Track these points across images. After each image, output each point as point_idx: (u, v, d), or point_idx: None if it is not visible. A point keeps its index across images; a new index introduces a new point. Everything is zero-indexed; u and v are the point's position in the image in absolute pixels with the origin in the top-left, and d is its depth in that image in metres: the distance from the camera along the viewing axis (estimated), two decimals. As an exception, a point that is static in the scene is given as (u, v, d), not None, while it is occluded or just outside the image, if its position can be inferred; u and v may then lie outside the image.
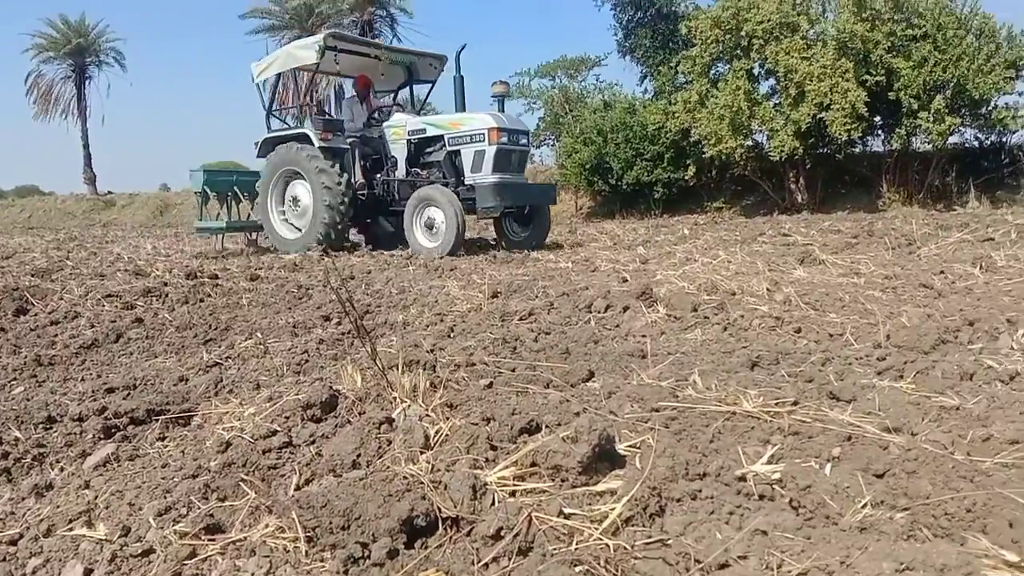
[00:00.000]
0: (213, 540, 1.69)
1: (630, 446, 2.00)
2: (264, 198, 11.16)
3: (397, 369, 2.50)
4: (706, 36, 16.42)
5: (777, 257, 6.48)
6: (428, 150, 10.59)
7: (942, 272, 5.06)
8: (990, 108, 15.01)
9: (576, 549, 1.49)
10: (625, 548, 1.47)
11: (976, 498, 1.61)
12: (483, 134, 9.81)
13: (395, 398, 2.37)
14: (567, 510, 1.62)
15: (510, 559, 1.50)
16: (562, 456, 1.78)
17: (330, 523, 1.65)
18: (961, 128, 15.63)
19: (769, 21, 15.59)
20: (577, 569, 1.41)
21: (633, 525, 1.56)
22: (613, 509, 1.58)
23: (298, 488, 1.93)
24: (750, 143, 16.99)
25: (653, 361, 3.00)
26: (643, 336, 3.49)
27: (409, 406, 2.28)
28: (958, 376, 2.55)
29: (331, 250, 9.97)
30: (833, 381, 2.57)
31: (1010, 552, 1.33)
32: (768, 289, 4.40)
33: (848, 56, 14.72)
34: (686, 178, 18.32)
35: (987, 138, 15.98)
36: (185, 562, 1.61)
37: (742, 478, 1.78)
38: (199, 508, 1.84)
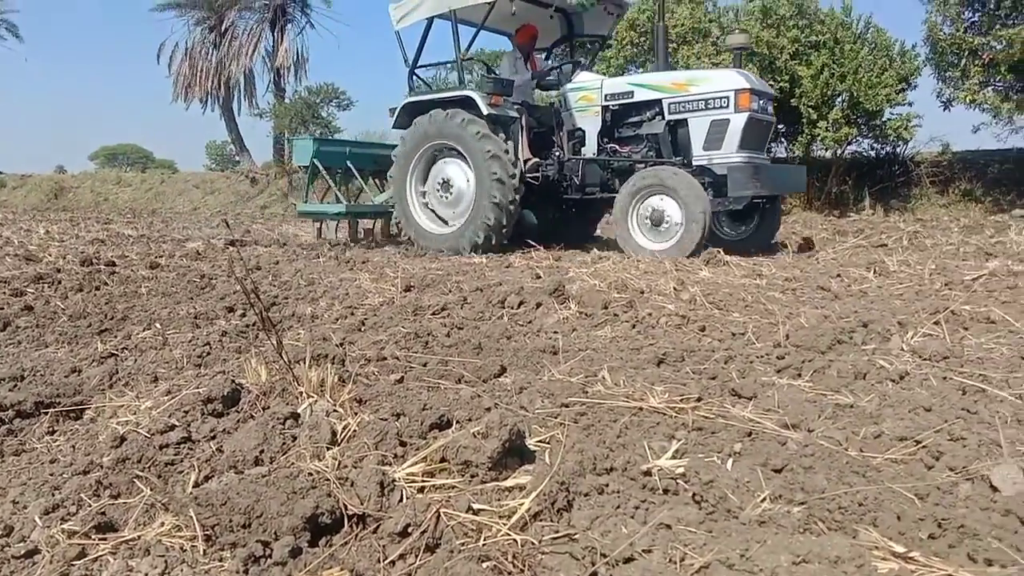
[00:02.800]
0: (104, 539, 1.61)
1: (540, 441, 2.01)
2: (402, 178, 8.74)
3: (304, 363, 2.44)
4: (621, 38, 16.70)
5: (684, 257, 6.65)
6: (633, 119, 8.02)
7: (839, 275, 5.29)
8: (884, 120, 15.81)
9: (484, 545, 1.48)
10: (533, 543, 1.48)
11: (868, 492, 1.68)
12: (727, 98, 7.23)
13: (301, 393, 2.31)
14: (476, 506, 1.62)
15: (417, 556, 1.48)
16: (472, 452, 1.77)
17: (230, 521, 1.59)
18: (858, 138, 16.41)
19: (683, 26, 15.98)
20: (484, 565, 1.40)
21: (541, 520, 1.57)
22: (522, 504, 1.58)
23: (197, 485, 1.86)
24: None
25: (564, 357, 3.03)
26: (555, 332, 3.52)
27: (316, 401, 2.23)
28: (852, 375, 2.67)
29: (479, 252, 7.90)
30: (735, 378, 2.65)
31: (898, 544, 1.40)
32: (675, 288, 4.51)
33: (754, 62, 15.24)
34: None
35: (882, 148, 16.81)
36: (73, 563, 1.53)
37: (648, 473, 1.81)
38: (90, 506, 1.75)
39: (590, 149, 8.22)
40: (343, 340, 3.38)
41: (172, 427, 2.17)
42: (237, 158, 33.07)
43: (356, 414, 2.18)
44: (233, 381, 2.45)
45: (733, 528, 1.48)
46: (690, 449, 1.97)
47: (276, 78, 32.68)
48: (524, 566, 1.42)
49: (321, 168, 9.71)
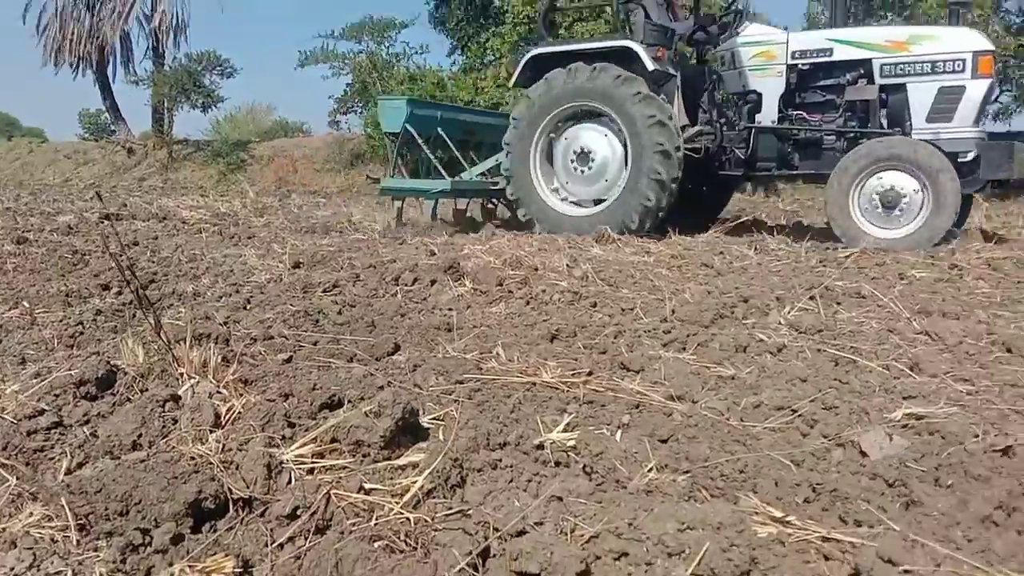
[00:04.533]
0: (-37, 535, 1.49)
1: (434, 419, 2.00)
2: (524, 147, 7.20)
3: (185, 343, 2.33)
4: (518, 12, 16.67)
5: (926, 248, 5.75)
6: (828, 82, 6.69)
7: (721, 253, 5.50)
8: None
9: (376, 524, 1.46)
10: (426, 520, 1.47)
11: (748, 460, 1.76)
12: (963, 61, 5.97)
13: (182, 374, 2.21)
14: (368, 486, 1.59)
15: (306, 538, 1.45)
16: (364, 431, 1.74)
17: (106, 509, 1.51)
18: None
19: (580, 2, 16.11)
20: (376, 544, 1.38)
21: (434, 497, 1.56)
22: (415, 483, 1.57)
23: (69, 472, 1.75)
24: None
25: (459, 334, 3.02)
26: (450, 309, 3.51)
27: (198, 382, 2.14)
28: (734, 348, 2.78)
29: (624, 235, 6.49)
30: (624, 352, 2.72)
31: (776, 508, 1.47)
32: (568, 265, 4.57)
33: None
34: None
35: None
36: (-73, 561, 1.41)
37: (540, 446, 1.83)
38: (-55, 500, 1.62)
39: (767, 116, 6.75)
40: (227, 319, 3.25)
41: (42, 412, 2.03)
42: (113, 127, 31.15)
43: (241, 395, 2.11)
44: (108, 362, 2.31)
45: (622, 498, 1.51)
46: (581, 422, 2.01)
47: (154, 43, 30.93)
48: (416, 543, 1.41)
49: (417, 135, 7.97)
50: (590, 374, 2.46)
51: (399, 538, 1.41)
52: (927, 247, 5.57)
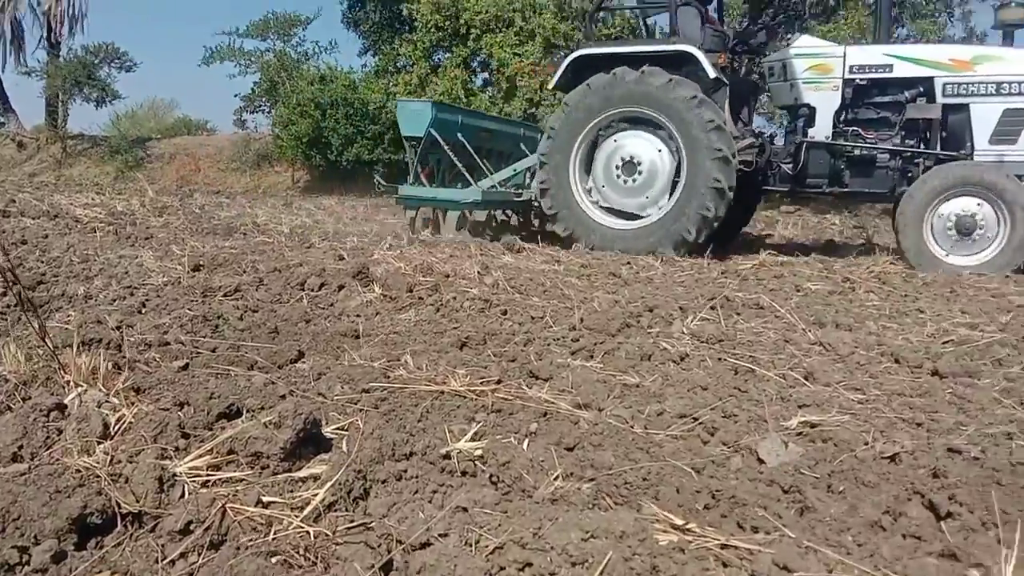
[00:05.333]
0: None
1: (338, 429, 1.95)
2: (564, 155, 6.79)
3: (73, 348, 2.20)
4: (427, 20, 16.61)
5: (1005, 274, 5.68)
6: (885, 99, 6.48)
7: (628, 263, 5.61)
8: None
9: (274, 539, 1.41)
10: (327, 534, 1.43)
11: (651, 467, 1.79)
12: None
13: (69, 382, 2.09)
14: (266, 499, 1.54)
15: (199, 554, 1.39)
16: (263, 442, 1.68)
17: (-22, 527, 1.40)
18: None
19: (486, 12, 16.18)
20: (273, 560, 1.34)
21: (336, 510, 1.52)
22: (316, 495, 1.53)
23: (-63, 488, 1.62)
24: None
25: (366, 341, 2.97)
26: (357, 316, 3.44)
27: (86, 391, 2.02)
28: (639, 357, 2.83)
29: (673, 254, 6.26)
30: (533, 361, 2.73)
31: (677, 516, 1.49)
32: (479, 273, 4.57)
33: (553, 54, 15.78)
34: (407, 160, 18.51)
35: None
36: None
37: (447, 456, 1.81)
38: None
39: (820, 131, 6.51)
40: (120, 323, 3.10)
41: (-94, 423, 1.88)
42: (1, 119, 29.36)
43: (133, 404, 2.00)
44: (-15, 369, 2.17)
45: (527, 507, 1.51)
46: (489, 431, 2.00)
47: (48, 33, 29.35)
48: (316, 558, 1.36)
49: (442, 141, 7.52)
50: (499, 382, 2.45)
51: (298, 553, 1.37)
52: (1005, 273, 5.44)
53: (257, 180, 21.69)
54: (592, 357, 2.85)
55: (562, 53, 7.85)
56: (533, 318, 3.48)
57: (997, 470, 1.78)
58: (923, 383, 2.66)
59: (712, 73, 6.33)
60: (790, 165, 6.65)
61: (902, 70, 6.30)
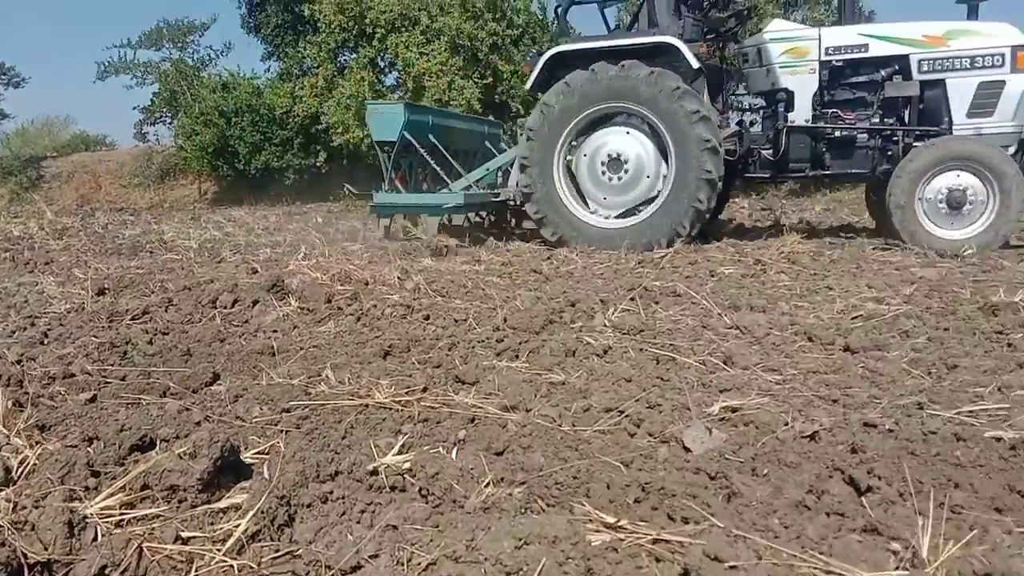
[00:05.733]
0: None
1: (258, 453, 1.89)
2: (546, 155, 6.58)
3: (-35, 390, 2.07)
4: (330, 21, 16.33)
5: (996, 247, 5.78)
6: (862, 79, 6.48)
7: (549, 258, 5.63)
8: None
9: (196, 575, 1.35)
10: (251, 567, 1.37)
11: (581, 466, 1.79)
12: (1002, 56, 5.97)
13: (-38, 425, 1.95)
14: (185, 534, 1.47)
15: (116, 601, 1.31)
16: (179, 475, 1.61)
17: None
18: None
19: (391, 12, 15.99)
20: (196, 600, 1.28)
21: (260, 540, 1.46)
22: (238, 526, 1.47)
23: None
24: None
25: (284, 358, 2.88)
26: (274, 331, 3.35)
27: (-18, 434, 1.90)
28: (563, 353, 2.84)
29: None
30: (459, 365, 2.70)
31: (609, 513, 1.49)
32: (399, 278, 4.51)
33: (459, 54, 15.74)
34: (318, 164, 18.16)
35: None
36: None
37: (375, 472, 1.77)
38: None
39: (800, 115, 6.46)
40: (21, 356, 2.93)
41: None
42: None
43: (37, 444, 1.89)
44: None
45: (459, 519, 1.49)
46: (417, 442, 1.97)
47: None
48: (242, 593, 1.31)
49: (418, 145, 7.24)
50: (425, 390, 2.42)
51: (222, 589, 1.31)
52: (998, 245, 5.58)
53: (162, 194, 20.95)
54: (517, 357, 2.85)
55: (534, 52, 7.61)
56: (456, 321, 3.45)
57: (911, 441, 1.85)
58: (836, 359, 2.75)
59: (695, 64, 6.25)
60: (770, 151, 6.60)
61: (877, 49, 6.31)
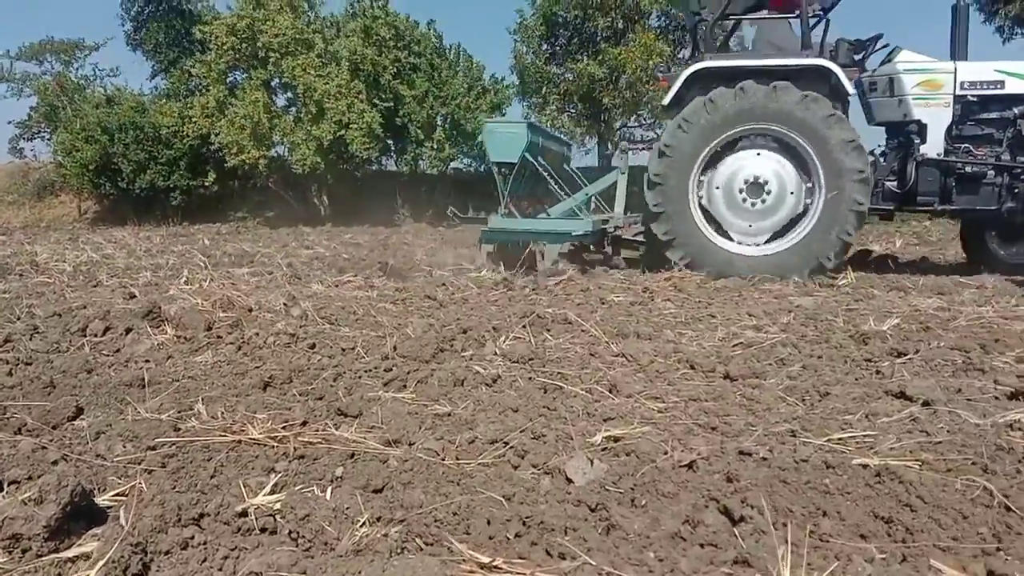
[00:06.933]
0: None
1: (118, 495, 1.76)
2: (682, 177, 6.30)
3: None
4: (222, 43, 15.96)
5: (305, 267, 6.38)
6: (996, 116, 6.45)
7: (444, 285, 5.58)
8: (481, 141, 17.49)
9: (33, 637, 1.24)
10: (97, 624, 1.27)
11: (461, 501, 1.75)
12: None
13: None
14: (25, 589, 1.35)
15: (-62, 669, 1.18)
16: (23, 522, 1.48)
17: None
18: (460, 156, 17.91)
19: (284, 35, 15.75)
20: (31, 665, 1.16)
21: (110, 593, 1.36)
22: (86, 578, 1.36)
23: None
24: (273, 155, 17.05)
25: (155, 390, 2.73)
26: (146, 362, 3.17)
27: None
28: (452, 383, 2.80)
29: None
30: (342, 397, 2.62)
31: (484, 553, 1.46)
32: (286, 304, 4.37)
33: (360, 78, 15.65)
34: (206, 185, 17.61)
35: (480, 165, 18.43)
36: None
37: (243, 513, 1.68)
38: None
39: (932, 148, 6.44)
40: None
41: None
42: None
43: None
44: None
45: (328, 563, 1.42)
46: (291, 480, 1.88)
47: None
48: (85, 654, 1.21)
49: (539, 167, 6.93)
50: (304, 424, 2.33)
51: (62, 651, 1.20)
52: None
53: (39, 213, 19.82)
54: (405, 387, 2.79)
55: (664, 66, 7.29)
56: (344, 350, 3.37)
57: (783, 469, 1.90)
58: (716, 387, 2.82)
59: (851, 90, 6.21)
60: (895, 183, 6.58)
61: (1014, 87, 6.35)
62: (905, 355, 3.19)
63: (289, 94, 17.30)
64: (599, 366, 3.08)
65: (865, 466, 1.90)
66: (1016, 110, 6.38)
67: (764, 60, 6.38)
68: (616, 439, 2.18)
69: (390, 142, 17.40)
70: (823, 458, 1.94)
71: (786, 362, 3.16)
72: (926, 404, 2.47)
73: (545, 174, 7.02)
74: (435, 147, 16.40)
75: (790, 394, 2.68)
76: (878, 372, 2.99)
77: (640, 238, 7.32)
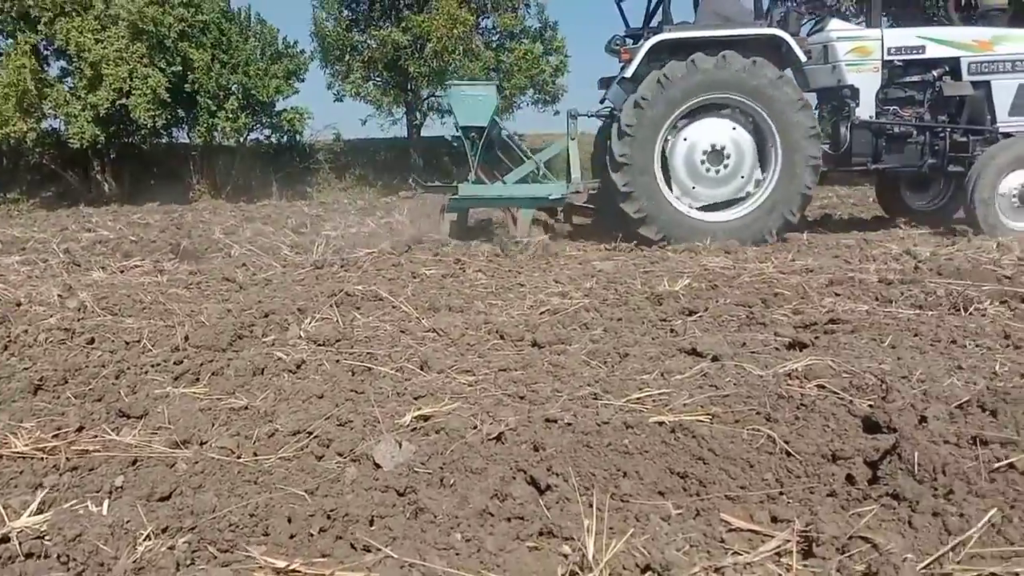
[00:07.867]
0: None
1: None
2: (648, 146, 6.29)
3: None
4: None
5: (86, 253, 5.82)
6: (917, 78, 6.87)
7: (244, 265, 5.28)
8: (278, 111, 16.74)
9: None
10: None
11: (259, 501, 1.64)
12: None
13: None
14: None
15: None
16: None
17: None
18: (257, 127, 17.04)
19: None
20: None
21: None
22: None
23: None
24: (46, 128, 15.40)
25: None
26: None
27: None
28: (250, 372, 2.63)
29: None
30: (124, 396, 2.40)
31: (280, 557, 1.37)
32: (60, 296, 3.94)
33: (143, 40, 14.43)
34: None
35: (281, 137, 17.63)
36: None
37: (4, 539, 1.48)
38: None
39: (864, 111, 6.78)
40: None
41: None
42: None
43: None
44: None
45: (103, 589, 1.28)
46: (61, 496, 1.68)
47: None
48: None
49: (509, 137, 6.97)
50: (80, 430, 2.11)
51: None
52: None
53: None
54: (197, 381, 2.60)
55: (618, 38, 7.16)
56: (128, 344, 3.08)
57: (586, 433, 1.94)
58: (525, 355, 2.85)
59: (803, 57, 6.48)
60: (829, 145, 6.90)
61: (934, 51, 6.83)
62: (695, 313, 3.39)
63: (63, 62, 15.68)
64: (410, 343, 3.03)
65: (661, 423, 1.98)
66: (935, 72, 6.91)
67: (720, 31, 6.60)
68: (426, 418, 2.14)
69: (180, 112, 16.20)
70: (623, 419, 1.99)
71: (589, 326, 3.26)
72: (715, 359, 2.63)
73: (517, 143, 7.11)
74: (229, 117, 15.45)
75: (593, 358, 2.76)
76: (672, 331, 3.15)
77: (591, 205, 7.44)
